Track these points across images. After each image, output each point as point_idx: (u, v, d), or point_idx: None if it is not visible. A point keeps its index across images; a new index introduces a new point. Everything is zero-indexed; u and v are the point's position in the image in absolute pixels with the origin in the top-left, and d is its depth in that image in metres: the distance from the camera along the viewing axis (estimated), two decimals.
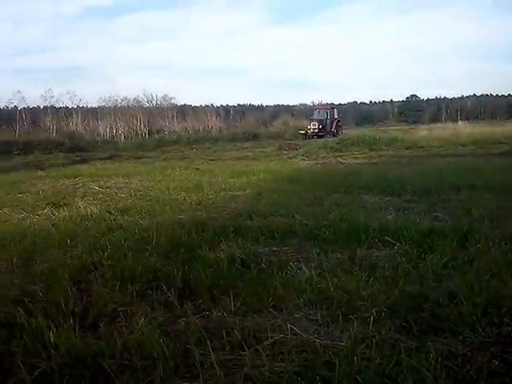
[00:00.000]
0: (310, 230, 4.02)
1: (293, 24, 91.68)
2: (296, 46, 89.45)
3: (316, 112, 31.23)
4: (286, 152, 16.26)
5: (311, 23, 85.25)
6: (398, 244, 3.48)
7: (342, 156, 13.65)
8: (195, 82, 73.67)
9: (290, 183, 7.21)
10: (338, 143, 17.38)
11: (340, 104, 51.40)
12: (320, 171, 9.33)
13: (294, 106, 50.76)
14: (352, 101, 63.04)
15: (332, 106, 31.92)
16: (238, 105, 41.36)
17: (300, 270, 2.99)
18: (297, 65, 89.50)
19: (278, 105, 51.73)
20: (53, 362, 1.93)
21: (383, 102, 63.85)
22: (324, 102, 33.17)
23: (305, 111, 34.97)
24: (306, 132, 28.07)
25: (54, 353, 1.99)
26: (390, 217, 4.48)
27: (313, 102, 43.58)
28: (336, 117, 30.43)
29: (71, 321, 2.29)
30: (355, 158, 13.37)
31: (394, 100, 61.83)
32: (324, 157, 13.64)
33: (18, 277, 3.02)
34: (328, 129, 28.71)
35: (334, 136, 27.33)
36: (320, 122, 28.67)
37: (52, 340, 2.08)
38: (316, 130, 28.12)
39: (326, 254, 3.39)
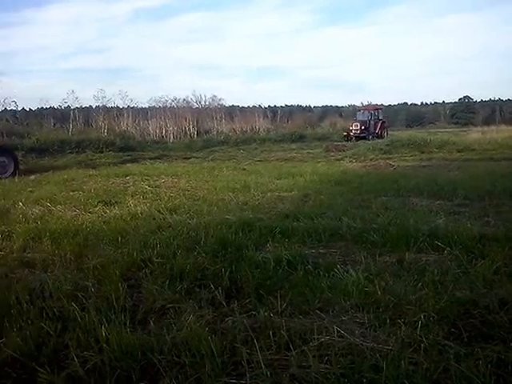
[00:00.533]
0: (357, 232, 3.97)
1: (342, 24, 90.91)
2: (346, 46, 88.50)
3: (359, 113, 30.50)
4: (333, 153, 15.99)
5: (361, 23, 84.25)
6: (447, 249, 3.39)
7: (391, 158, 13.36)
8: (243, 83, 74.16)
9: (338, 185, 7.13)
10: (387, 145, 16.98)
11: (390, 105, 50.35)
12: (368, 173, 9.16)
13: (342, 106, 50.25)
14: (402, 102, 61.65)
15: (376, 107, 31.02)
16: (286, 105, 41.01)
17: (347, 272, 2.96)
18: (346, 65, 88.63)
19: (326, 106, 51.34)
20: (104, 356, 1.99)
21: (435, 103, 62.03)
22: (371, 103, 32.34)
23: (353, 112, 34.21)
24: (348, 133, 27.23)
25: (106, 347, 2.05)
26: (440, 221, 4.35)
27: (362, 103, 42.81)
28: (380, 118, 29.48)
29: (122, 316, 2.37)
30: (405, 160, 13.04)
31: (445, 101, 60.07)
32: (372, 159, 13.40)
33: (71, 272, 3.13)
34: (371, 130, 27.90)
35: (377, 138, 26.80)
36: (363, 123, 27.87)
37: (104, 334, 2.14)
38: (358, 132, 27.25)
39: (373, 257, 3.34)
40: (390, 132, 30.08)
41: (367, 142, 23.13)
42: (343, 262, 3.29)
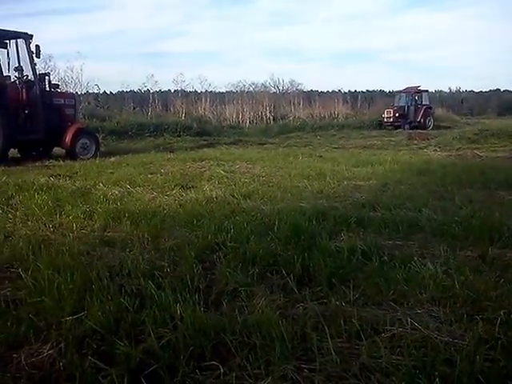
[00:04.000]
0: (437, 225, 3.80)
1: (430, 6, 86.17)
2: (430, 30, 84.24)
3: (397, 97, 25.67)
4: (416, 142, 15.21)
5: (451, 5, 79.42)
6: None
7: (479, 148, 12.53)
8: (324, 67, 72.69)
9: (420, 175, 6.83)
10: (475, 134, 15.92)
11: (481, 92, 46.85)
12: (453, 164, 8.69)
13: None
14: (494, 88, 57.58)
15: (417, 90, 25.30)
16: (367, 91, 39.17)
17: (424, 265, 2.85)
18: (431, 49, 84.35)
19: None
20: (178, 333, 2.05)
21: None
22: (415, 86, 26.07)
23: (439, 98, 32.08)
24: (381, 121, 23.84)
25: (180, 324, 2.12)
26: None
27: (449, 88, 40.34)
28: (424, 103, 24.66)
29: (196, 296, 2.42)
30: (494, 150, 12.20)
31: None
32: (459, 148, 12.61)
33: (149, 252, 3.23)
34: (411, 118, 23.79)
35: (418, 128, 22.38)
36: (397, 109, 23.80)
37: (178, 312, 2.21)
38: (390, 120, 23.50)
39: (453, 251, 3.18)
40: (478, 120, 26.62)
41: (455, 130, 19.66)
42: (421, 254, 3.16)
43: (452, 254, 3.11)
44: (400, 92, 26.07)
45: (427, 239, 3.52)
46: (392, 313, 2.29)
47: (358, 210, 4.44)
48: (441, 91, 45.41)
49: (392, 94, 28.27)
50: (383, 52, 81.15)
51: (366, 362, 1.87)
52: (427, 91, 25.99)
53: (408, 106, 24.28)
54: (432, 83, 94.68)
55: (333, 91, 36.16)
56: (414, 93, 24.89)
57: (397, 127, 22.85)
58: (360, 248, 3.14)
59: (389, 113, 23.93)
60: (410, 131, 20.13)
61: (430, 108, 25.25)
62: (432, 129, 22.98)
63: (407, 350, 1.92)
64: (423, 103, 24.67)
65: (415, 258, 2.97)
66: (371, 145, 14.64)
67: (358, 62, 78.59)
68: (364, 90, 43.67)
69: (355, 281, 2.66)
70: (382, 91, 46.37)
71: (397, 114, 23.63)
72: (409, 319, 2.17)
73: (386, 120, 23.78)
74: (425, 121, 24.00)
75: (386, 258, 3.02)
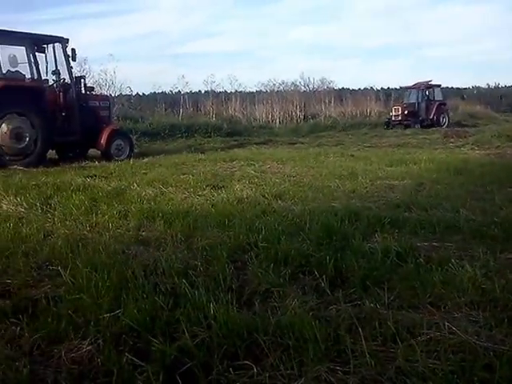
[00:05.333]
0: (476, 226, 3.70)
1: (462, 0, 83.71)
2: (466, 23, 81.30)
3: (407, 94, 23.70)
4: (452, 140, 14.70)
5: None
6: None
7: None
8: (356, 65, 71.50)
9: (456, 174, 6.66)
10: None
11: None
12: (492, 162, 8.42)
13: (464, 88, 45.06)
14: None
15: (428, 85, 23.03)
16: (401, 87, 38.20)
17: (462, 268, 2.77)
18: (467, 44, 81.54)
19: (447, 88, 47.46)
20: (212, 332, 2.07)
21: None
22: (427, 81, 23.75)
23: (477, 95, 30.73)
24: (389, 120, 22.07)
25: (214, 323, 2.13)
26: None
27: (488, 84, 38.56)
28: (437, 99, 22.62)
29: (229, 296, 2.44)
30: None
31: None
32: (498, 146, 12.11)
33: (182, 251, 3.27)
34: (422, 115, 21.88)
35: (431, 126, 20.98)
36: (407, 106, 21.88)
37: (212, 311, 2.23)
38: (399, 118, 21.59)
39: (493, 253, 3.08)
40: None
41: (494, 127, 17.99)
42: (459, 256, 3.09)
43: (492, 256, 3.02)
44: (409, 87, 24.01)
45: (465, 241, 3.44)
46: (429, 316, 2.24)
47: (392, 211, 4.37)
48: (478, 87, 43.98)
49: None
50: (418, 47, 79.03)
51: (401, 366, 1.84)
52: (440, 86, 23.90)
53: (419, 103, 22.38)
54: (469, 79, 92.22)
55: (365, 89, 35.68)
56: (425, 88, 22.86)
57: (406, 126, 21.09)
58: (395, 249, 3.09)
59: (397, 110, 22.03)
60: (447, 129, 19.28)
61: (444, 104, 23.29)
62: (447, 126, 21.39)
63: (444, 355, 1.88)
64: (436, 99, 22.75)
65: (453, 260, 2.89)
66: (405, 143, 14.31)
67: (392, 58, 76.78)
68: (398, 87, 42.65)
69: (390, 283, 2.61)
70: None
71: (406, 112, 21.73)
72: (446, 323, 2.12)
73: (393, 118, 21.97)
74: (438, 118, 22.18)
75: (422, 259, 2.97)
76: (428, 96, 22.64)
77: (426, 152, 10.63)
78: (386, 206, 4.66)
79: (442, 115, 22.55)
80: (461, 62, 75.93)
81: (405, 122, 21.56)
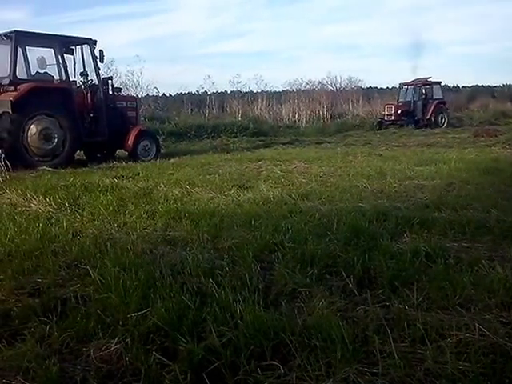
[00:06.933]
0: (507, 226, 3.62)
1: None
2: (496, 19, 79.24)
3: (402, 91, 21.70)
4: (483, 139, 14.26)
5: None
6: None
7: None
8: (385, 63, 70.51)
9: (487, 174, 6.51)
10: None
11: None
12: None
13: (495, 86, 43.93)
14: None
15: (425, 82, 21.15)
16: (400, 84, 37.31)
17: (493, 269, 2.72)
18: (497, 41, 79.30)
19: (477, 86, 46.17)
20: (239, 332, 2.07)
21: None
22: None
23: (509, 93, 29.58)
24: (381, 120, 20.59)
25: (240, 323, 2.13)
26: None
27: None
28: (436, 97, 20.91)
29: (255, 295, 2.43)
30: None
31: None
32: None
33: (208, 251, 3.29)
34: (418, 114, 20.37)
35: (428, 126, 19.56)
36: (402, 105, 20.38)
37: (238, 311, 2.23)
38: (391, 117, 20.05)
39: None
40: None
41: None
42: (489, 257, 3.02)
43: None
44: (406, 84, 21.97)
45: (496, 241, 3.37)
46: (458, 317, 2.20)
47: (421, 211, 4.31)
48: (510, 85, 42.76)
49: (457, 89, 24.62)
50: (447, 45, 77.34)
51: (430, 367, 1.81)
52: (440, 83, 21.89)
53: (415, 101, 20.67)
54: (500, 76, 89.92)
55: (393, 87, 35.01)
56: (422, 85, 21.07)
57: (400, 126, 19.66)
58: (424, 250, 3.05)
59: (389, 109, 20.39)
60: (477, 127, 18.27)
61: (444, 103, 21.42)
62: (446, 127, 19.86)
63: (475, 356, 1.85)
64: (434, 97, 20.95)
65: (483, 261, 2.84)
66: (434, 142, 14.02)
67: (420, 57, 75.32)
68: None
69: (419, 284, 2.58)
70: (445, 86, 44.14)
71: (399, 111, 20.16)
72: (476, 324, 2.08)
73: (386, 118, 20.44)
74: (436, 118, 20.45)
75: (451, 260, 2.92)
76: (426, 94, 20.96)
77: (456, 151, 10.41)
78: (415, 206, 4.59)
79: (441, 115, 20.86)
80: (489, 58, 74.13)
81: (398, 122, 20.11)
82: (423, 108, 20.60)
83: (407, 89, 21.55)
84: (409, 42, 75.11)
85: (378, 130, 19.58)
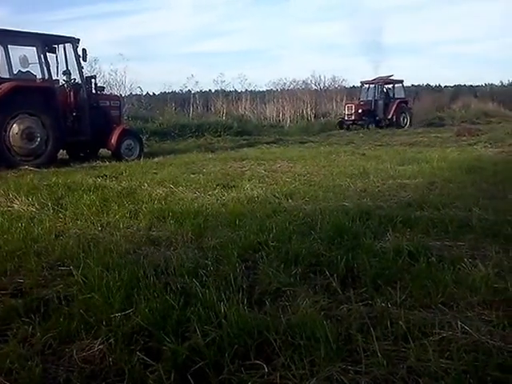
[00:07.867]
0: (489, 225, 3.68)
1: None
2: (481, 20, 79.79)
3: (364, 90, 21.08)
4: (465, 138, 14.42)
5: None
6: None
7: None
8: (369, 62, 70.73)
9: (469, 173, 6.60)
10: None
11: None
12: (506, 161, 8.32)
13: (477, 86, 44.47)
14: None
15: (387, 80, 20.55)
16: (412, 85, 36.89)
17: (475, 267, 2.76)
18: (490, 41, 79.71)
19: (459, 85, 46.62)
20: (223, 331, 2.06)
21: None
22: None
23: (491, 93, 29.94)
24: (342, 120, 20.14)
25: (224, 322, 2.13)
26: None
27: (501, 82, 37.53)
28: (397, 97, 20.40)
29: (239, 295, 2.43)
30: None
31: None
32: (511, 144, 11.89)
33: (192, 250, 3.28)
34: (379, 114, 19.80)
35: (389, 125, 19.15)
36: (363, 104, 19.79)
37: (222, 311, 2.23)
38: (352, 117, 19.52)
39: (506, 252, 3.06)
40: None
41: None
42: (471, 255, 3.06)
43: (505, 255, 2.99)
44: (367, 83, 21.32)
45: (478, 240, 3.40)
46: (441, 316, 2.23)
47: (404, 210, 4.35)
48: (492, 85, 43.35)
49: (439, 89, 24.64)
50: (432, 44, 77.96)
51: (413, 365, 1.83)
52: (402, 82, 21.24)
53: (375, 100, 20.08)
54: (483, 76, 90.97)
55: None
56: (384, 84, 20.52)
57: (361, 126, 19.20)
58: (406, 248, 3.07)
59: (350, 109, 19.80)
60: (459, 126, 18.15)
61: (406, 102, 20.97)
62: (409, 127, 19.48)
63: (457, 354, 1.87)
64: (396, 96, 20.47)
65: (465, 260, 2.87)
66: (417, 142, 14.15)
67: (402, 56, 75.78)
68: (409, 85, 42.07)
69: (402, 282, 2.60)
70: (427, 85, 44.51)
71: (360, 110, 19.55)
72: (459, 322, 2.11)
73: (346, 118, 19.95)
74: (398, 118, 19.92)
75: (434, 259, 2.95)
76: (387, 93, 20.49)
77: (438, 150, 10.55)
78: (398, 205, 4.63)
79: (403, 115, 20.31)
80: (474, 58, 75.00)
81: (359, 122, 19.61)
82: (385, 107, 20.08)
83: (368, 87, 20.96)
84: (394, 41, 75.55)
85: (339, 129, 19.19)
